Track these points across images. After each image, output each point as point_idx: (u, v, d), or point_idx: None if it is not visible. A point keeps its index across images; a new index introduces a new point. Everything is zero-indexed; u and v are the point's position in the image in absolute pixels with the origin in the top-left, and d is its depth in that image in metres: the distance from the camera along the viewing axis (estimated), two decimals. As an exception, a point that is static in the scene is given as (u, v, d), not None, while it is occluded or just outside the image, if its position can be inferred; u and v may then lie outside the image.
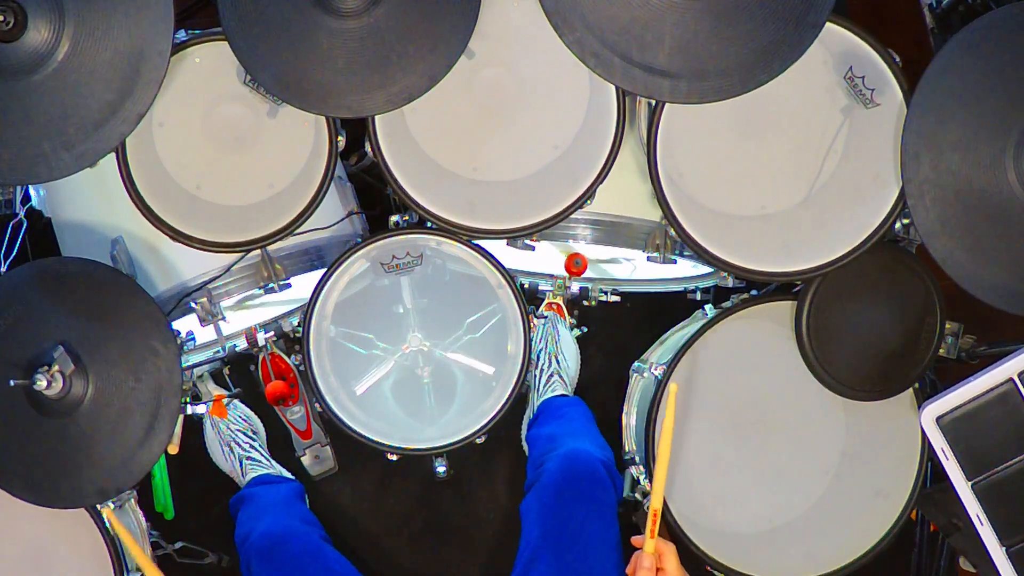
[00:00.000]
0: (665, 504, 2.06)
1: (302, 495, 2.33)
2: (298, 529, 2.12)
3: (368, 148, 1.95)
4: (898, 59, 1.85)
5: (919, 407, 1.96)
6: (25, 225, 2.17)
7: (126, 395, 1.85)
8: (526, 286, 2.35)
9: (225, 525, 2.30)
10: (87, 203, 2.07)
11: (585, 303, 2.39)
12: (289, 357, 2.26)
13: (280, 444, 2.42)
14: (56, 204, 2.12)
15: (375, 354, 2.18)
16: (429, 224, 2.03)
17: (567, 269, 2.26)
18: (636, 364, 2.31)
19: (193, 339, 2.05)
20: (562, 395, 2.30)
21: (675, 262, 2.13)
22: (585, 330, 2.46)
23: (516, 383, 2.13)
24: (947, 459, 1.80)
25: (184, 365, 1.93)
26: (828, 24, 1.76)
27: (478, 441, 2.14)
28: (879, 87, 1.87)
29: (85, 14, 1.70)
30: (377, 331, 2.17)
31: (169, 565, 2.21)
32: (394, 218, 2.12)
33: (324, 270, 2.08)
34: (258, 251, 2.03)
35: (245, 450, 2.32)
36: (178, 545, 2.23)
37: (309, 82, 1.81)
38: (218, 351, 2.28)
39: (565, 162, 2.01)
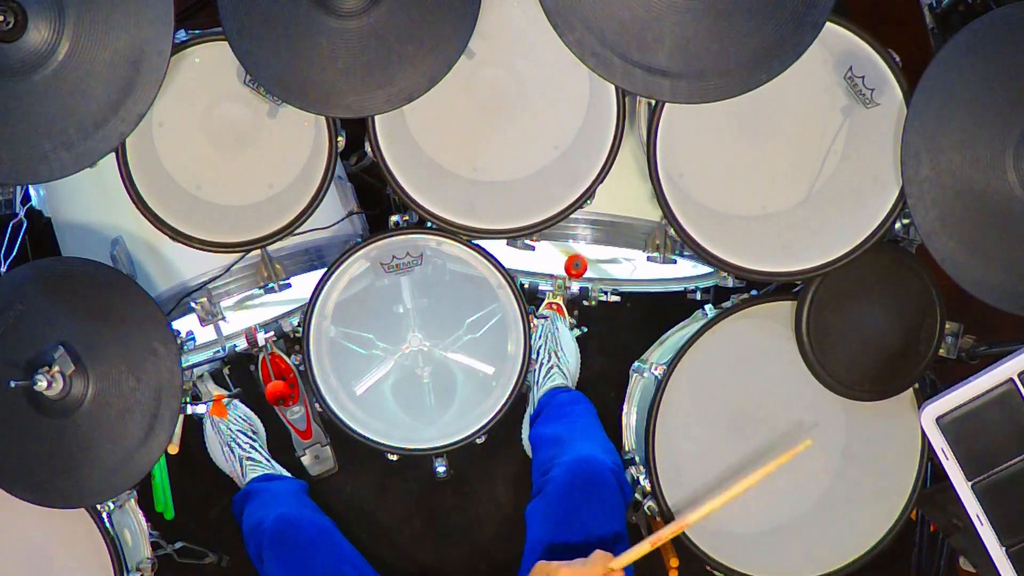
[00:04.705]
0: (666, 504, 2.06)
1: (306, 490, 2.34)
2: (310, 516, 2.16)
3: (368, 148, 1.95)
4: (898, 59, 1.85)
5: (919, 407, 1.96)
6: (25, 225, 2.17)
7: (126, 395, 1.85)
8: (526, 286, 2.35)
9: (225, 525, 2.30)
10: (87, 203, 2.07)
11: (585, 303, 2.39)
12: (289, 357, 2.25)
13: (280, 444, 2.42)
14: (56, 204, 2.12)
15: (375, 354, 2.18)
16: (429, 224, 2.03)
17: (567, 272, 2.26)
18: (636, 364, 2.31)
19: (193, 339, 2.05)
20: (562, 386, 2.30)
21: (675, 262, 2.13)
22: (585, 330, 2.45)
23: (516, 383, 2.13)
24: (947, 459, 1.80)
25: (184, 365, 1.93)
26: (828, 24, 1.76)
27: (478, 441, 2.15)
28: (879, 87, 1.86)
29: (85, 14, 1.70)
30: (377, 331, 2.17)
31: (169, 565, 2.21)
32: (394, 218, 2.12)
33: (324, 270, 2.08)
34: (258, 251, 2.03)
35: (245, 450, 2.32)
36: (178, 545, 2.23)
37: (309, 82, 1.81)
38: (218, 351, 2.28)
39: (565, 162, 2.01)
